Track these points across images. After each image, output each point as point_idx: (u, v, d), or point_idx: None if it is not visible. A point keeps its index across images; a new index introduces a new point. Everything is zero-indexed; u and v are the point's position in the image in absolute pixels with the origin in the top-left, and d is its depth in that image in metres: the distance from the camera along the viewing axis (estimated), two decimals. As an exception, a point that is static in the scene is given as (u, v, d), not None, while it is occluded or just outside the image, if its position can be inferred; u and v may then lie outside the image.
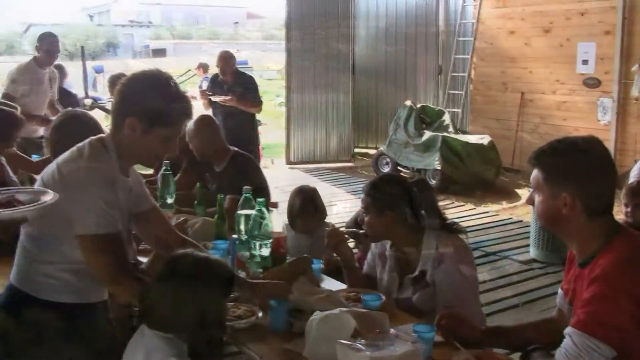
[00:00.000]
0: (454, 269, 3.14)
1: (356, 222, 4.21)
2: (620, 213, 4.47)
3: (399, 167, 10.61)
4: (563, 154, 2.32)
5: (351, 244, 4.17)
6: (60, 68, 8.47)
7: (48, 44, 7.18)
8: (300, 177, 11.01)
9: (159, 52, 45.21)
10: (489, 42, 12.18)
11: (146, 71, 2.68)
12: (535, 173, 2.37)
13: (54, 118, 4.58)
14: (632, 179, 4.79)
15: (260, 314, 2.90)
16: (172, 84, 2.54)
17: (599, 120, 10.50)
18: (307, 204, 4.35)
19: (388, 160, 10.97)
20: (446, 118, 10.93)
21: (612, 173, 2.35)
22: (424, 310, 3.14)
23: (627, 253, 2.22)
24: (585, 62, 10.70)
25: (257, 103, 8.08)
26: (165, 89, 2.52)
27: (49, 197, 2.34)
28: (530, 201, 2.45)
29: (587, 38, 10.67)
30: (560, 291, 2.62)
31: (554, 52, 11.11)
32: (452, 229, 3.31)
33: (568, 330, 2.20)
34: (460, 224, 3.47)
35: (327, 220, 4.54)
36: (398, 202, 3.26)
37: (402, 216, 3.25)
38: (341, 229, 3.96)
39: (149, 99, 2.49)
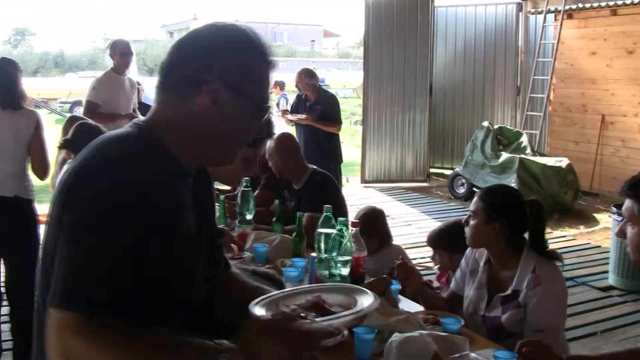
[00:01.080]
0: (550, 294, 3.10)
1: (453, 227, 4.18)
2: None
3: (474, 189, 10.52)
4: None
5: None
6: (138, 83, 8.70)
7: (120, 48, 7.42)
8: (374, 196, 11.03)
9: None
10: (569, 63, 12.01)
11: None
12: (629, 204, 2.31)
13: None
14: None
15: (346, 333, 2.71)
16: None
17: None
18: (366, 227, 4.39)
19: (464, 181, 10.91)
20: (524, 139, 10.81)
21: None
22: (510, 330, 3.12)
23: None
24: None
25: (337, 122, 8.15)
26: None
27: (367, 300, 2.12)
28: (622, 233, 2.37)
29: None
30: None
31: (636, 74, 10.89)
32: (550, 255, 3.27)
33: None
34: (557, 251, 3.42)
35: (402, 240, 4.55)
36: (509, 214, 3.24)
37: (508, 229, 3.23)
38: (415, 260, 3.95)
39: None
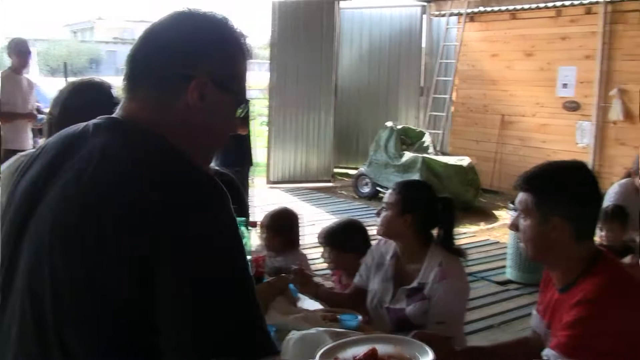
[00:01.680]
0: (454, 288, 3.18)
1: (344, 226, 4.26)
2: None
3: (378, 188, 10.66)
4: (554, 178, 2.37)
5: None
6: None
7: (18, 47, 7.26)
8: (279, 197, 11.02)
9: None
10: (471, 64, 12.32)
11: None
12: (523, 196, 2.37)
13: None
14: (607, 202, 4.85)
15: None
16: None
17: (578, 143, 10.63)
18: (270, 224, 4.43)
19: (368, 180, 11.02)
20: (427, 139, 11.03)
21: (599, 197, 2.43)
22: (415, 322, 3.16)
23: (610, 278, 2.25)
24: (565, 85, 10.86)
25: (244, 124, 8.09)
26: None
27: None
28: (514, 227, 2.43)
29: (567, 62, 10.82)
30: (535, 313, 2.64)
31: (535, 76, 11.26)
32: (456, 251, 3.34)
33: (547, 352, 2.21)
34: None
35: (308, 238, 4.58)
36: (422, 208, 3.31)
37: (419, 223, 3.30)
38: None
39: None
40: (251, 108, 8.79)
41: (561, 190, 2.31)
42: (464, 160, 10.37)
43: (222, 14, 1.59)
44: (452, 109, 12.66)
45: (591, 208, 2.37)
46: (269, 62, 12.55)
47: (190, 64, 1.50)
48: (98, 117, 1.54)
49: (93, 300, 1.32)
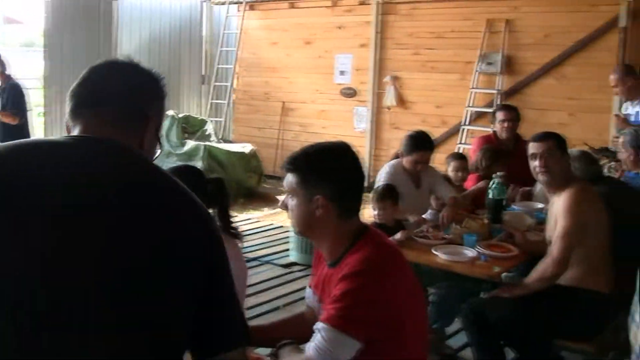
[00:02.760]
0: (233, 271, 3.12)
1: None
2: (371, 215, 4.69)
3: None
4: (316, 158, 2.43)
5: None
6: None
7: None
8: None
9: None
10: (252, 52, 12.38)
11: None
12: (289, 178, 2.44)
13: None
14: (378, 182, 5.00)
15: None
16: None
17: (355, 128, 11.02)
18: None
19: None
20: (209, 127, 10.97)
21: (361, 176, 2.47)
22: None
23: (372, 252, 2.32)
24: (342, 73, 11.20)
25: (16, 114, 7.63)
26: None
27: None
28: (284, 206, 2.58)
29: (344, 50, 11.16)
30: (308, 289, 2.70)
31: (313, 63, 11.52)
32: (233, 233, 3.29)
33: (318, 325, 2.25)
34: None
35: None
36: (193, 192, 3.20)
37: None
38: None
39: None
40: (27, 99, 8.28)
41: (323, 171, 2.39)
42: (247, 147, 10.41)
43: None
44: (234, 96, 12.69)
45: (353, 187, 2.45)
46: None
47: (147, 106, 1.75)
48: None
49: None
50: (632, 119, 6.45)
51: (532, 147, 4.10)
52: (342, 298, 2.22)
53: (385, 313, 2.23)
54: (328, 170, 2.39)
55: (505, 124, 6.22)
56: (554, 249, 3.74)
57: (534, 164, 4.07)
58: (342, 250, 2.40)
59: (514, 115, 6.26)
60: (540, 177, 4.08)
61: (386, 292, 2.25)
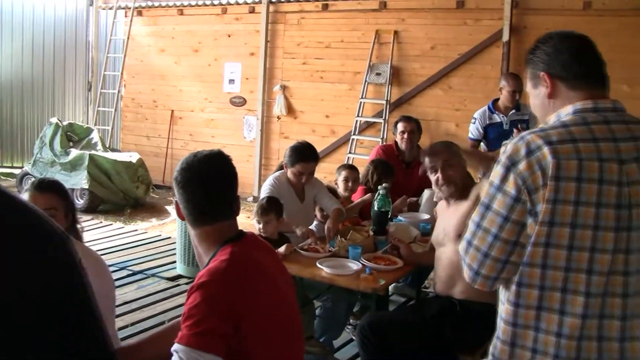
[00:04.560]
0: (94, 285, 2.98)
1: None
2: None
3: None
4: (176, 169, 2.47)
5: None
6: None
7: None
8: None
9: None
10: (140, 59, 12.13)
11: None
12: None
13: None
14: (263, 194, 4.94)
15: None
16: None
17: (245, 137, 10.95)
18: None
19: (34, 179, 10.33)
20: (94, 136, 10.63)
21: (219, 183, 2.45)
22: None
23: (224, 262, 2.26)
24: (232, 81, 11.11)
25: None
26: None
27: None
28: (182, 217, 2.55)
29: (233, 59, 11.08)
30: None
31: (202, 71, 11.38)
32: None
33: (174, 347, 2.15)
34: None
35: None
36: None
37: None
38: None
39: None
40: None
41: (176, 177, 2.45)
42: (134, 157, 10.16)
43: None
44: (122, 104, 12.40)
45: (202, 192, 2.43)
46: None
47: None
48: None
49: None
50: (498, 128, 6.63)
51: (429, 161, 4.14)
52: (191, 314, 2.15)
53: (240, 323, 2.16)
54: (179, 179, 2.43)
55: (405, 135, 6.32)
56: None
57: (435, 177, 4.11)
58: (208, 258, 2.38)
59: (413, 127, 6.36)
60: (444, 190, 4.11)
61: (235, 302, 2.18)
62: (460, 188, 4.06)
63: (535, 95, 2.21)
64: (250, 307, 2.23)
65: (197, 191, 2.41)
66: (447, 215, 4.10)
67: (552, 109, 2.14)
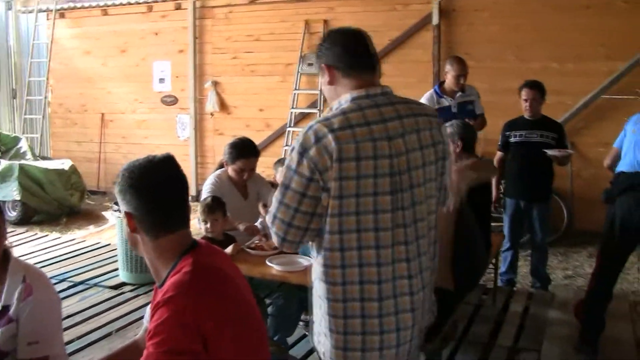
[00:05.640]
0: (43, 302, 2.84)
1: None
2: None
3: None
4: (122, 176, 2.25)
5: None
6: None
7: None
8: None
9: None
10: (65, 63, 11.84)
11: None
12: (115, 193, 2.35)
13: None
14: (204, 194, 4.84)
15: None
16: None
17: (179, 136, 10.78)
18: None
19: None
20: (23, 144, 10.32)
21: (173, 189, 2.30)
22: (5, 349, 2.80)
23: (187, 274, 2.15)
24: (162, 80, 10.93)
25: None
26: None
27: None
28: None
29: (162, 57, 10.89)
30: (148, 310, 2.49)
31: (130, 72, 11.16)
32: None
33: None
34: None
35: None
36: None
37: None
38: None
39: None
40: None
41: (124, 187, 2.24)
42: (66, 164, 9.89)
43: None
44: (50, 110, 12.07)
45: (164, 202, 2.27)
46: None
47: None
48: None
49: None
50: (447, 112, 6.62)
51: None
52: (158, 331, 2.04)
53: (209, 335, 2.06)
54: (129, 188, 2.23)
55: None
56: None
57: None
58: (166, 270, 2.24)
59: None
60: None
61: (203, 313, 2.07)
62: None
63: (323, 83, 2.56)
64: (218, 315, 2.13)
65: (157, 200, 2.24)
66: None
67: (335, 94, 2.50)
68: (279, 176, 5.63)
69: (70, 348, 4.95)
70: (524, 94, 6.13)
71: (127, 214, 2.24)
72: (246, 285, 2.47)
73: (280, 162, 5.80)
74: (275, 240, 2.49)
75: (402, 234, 2.41)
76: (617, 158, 4.95)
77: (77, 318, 5.74)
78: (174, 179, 2.30)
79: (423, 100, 6.80)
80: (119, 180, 2.26)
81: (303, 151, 2.33)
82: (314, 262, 2.51)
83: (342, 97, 2.45)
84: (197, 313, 2.06)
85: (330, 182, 2.31)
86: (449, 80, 6.56)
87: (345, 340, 2.42)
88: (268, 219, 2.50)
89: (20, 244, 8.07)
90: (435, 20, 8.75)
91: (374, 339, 2.42)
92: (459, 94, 6.58)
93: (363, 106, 2.39)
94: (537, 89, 6.12)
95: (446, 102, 6.59)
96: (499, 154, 6.37)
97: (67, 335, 5.20)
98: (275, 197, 2.44)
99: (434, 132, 2.51)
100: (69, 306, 5.97)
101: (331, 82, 2.50)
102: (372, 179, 2.32)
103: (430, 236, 2.54)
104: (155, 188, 2.24)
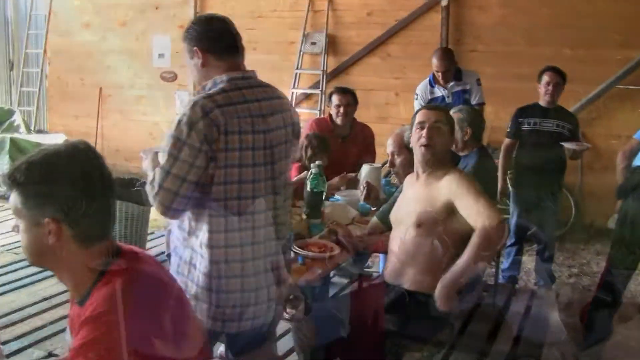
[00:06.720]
0: None
1: None
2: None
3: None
4: (40, 170, 1.84)
5: None
6: None
7: None
8: None
9: None
10: (63, 35, 11.50)
11: None
12: (12, 196, 1.87)
13: None
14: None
15: None
16: None
17: (177, 114, 10.48)
18: None
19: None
20: (17, 117, 10.05)
21: (105, 186, 1.93)
22: None
23: (120, 283, 1.84)
24: (161, 55, 10.63)
25: None
26: None
27: None
28: (17, 229, 1.92)
29: (162, 31, 10.57)
30: (67, 328, 2.14)
31: (130, 46, 10.86)
32: None
33: None
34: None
35: None
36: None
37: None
38: None
39: None
40: None
41: (48, 185, 1.84)
42: (60, 138, 9.59)
43: None
44: (47, 83, 11.78)
45: (93, 201, 1.88)
46: None
47: None
48: None
49: None
50: (440, 102, 6.37)
51: (422, 115, 3.69)
52: (82, 351, 1.74)
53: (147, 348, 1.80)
54: (56, 185, 1.84)
55: (341, 109, 5.90)
56: (484, 211, 3.30)
57: (420, 133, 3.65)
58: (89, 283, 1.90)
59: (349, 99, 5.94)
60: (422, 152, 3.62)
61: (139, 327, 1.80)
62: (437, 160, 3.63)
63: (192, 65, 2.75)
64: (155, 328, 1.86)
65: (85, 200, 1.86)
66: (413, 191, 3.71)
67: (205, 75, 2.70)
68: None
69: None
70: (547, 76, 5.81)
71: (45, 220, 1.83)
72: (181, 291, 2.25)
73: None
74: (160, 209, 2.62)
75: (272, 201, 2.75)
76: (636, 150, 4.68)
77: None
78: (103, 173, 1.95)
79: (418, 90, 6.56)
80: (27, 177, 1.84)
81: (192, 124, 2.48)
82: (198, 235, 2.68)
83: (217, 77, 2.66)
84: (131, 329, 1.76)
85: (217, 152, 2.53)
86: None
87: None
88: (151, 189, 2.61)
89: (10, 219, 7.77)
90: (444, 1, 8.40)
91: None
92: (452, 82, 6.30)
93: (240, 86, 2.66)
94: (560, 74, 5.82)
95: (439, 92, 6.34)
96: (507, 141, 6.04)
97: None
98: (161, 169, 2.57)
99: (291, 113, 2.87)
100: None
101: (204, 65, 2.70)
102: (251, 151, 2.61)
103: (285, 206, 2.87)
104: (87, 183, 1.87)
